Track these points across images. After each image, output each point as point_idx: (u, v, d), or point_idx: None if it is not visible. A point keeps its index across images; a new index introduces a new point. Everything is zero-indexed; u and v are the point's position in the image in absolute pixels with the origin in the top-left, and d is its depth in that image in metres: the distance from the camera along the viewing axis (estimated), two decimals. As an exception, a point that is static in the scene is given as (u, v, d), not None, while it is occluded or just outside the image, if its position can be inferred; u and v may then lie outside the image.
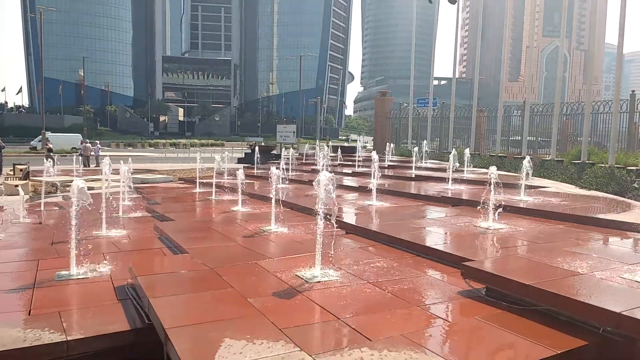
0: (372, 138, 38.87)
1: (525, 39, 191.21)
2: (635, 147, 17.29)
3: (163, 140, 72.45)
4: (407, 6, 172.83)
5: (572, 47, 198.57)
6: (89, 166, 30.80)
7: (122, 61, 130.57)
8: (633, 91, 17.31)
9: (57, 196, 17.36)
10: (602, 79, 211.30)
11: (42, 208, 13.15)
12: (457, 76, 28.32)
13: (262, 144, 50.03)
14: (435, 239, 7.21)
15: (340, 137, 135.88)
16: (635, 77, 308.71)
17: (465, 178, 14.81)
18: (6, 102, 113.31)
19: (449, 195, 11.54)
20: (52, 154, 27.70)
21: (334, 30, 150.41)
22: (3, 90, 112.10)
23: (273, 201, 8.45)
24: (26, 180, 20.11)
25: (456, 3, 25.72)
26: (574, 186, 13.04)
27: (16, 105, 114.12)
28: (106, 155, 14.10)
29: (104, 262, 6.38)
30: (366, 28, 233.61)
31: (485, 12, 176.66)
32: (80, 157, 28.93)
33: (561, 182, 14.04)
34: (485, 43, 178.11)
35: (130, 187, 13.56)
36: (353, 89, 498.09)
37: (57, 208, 13.68)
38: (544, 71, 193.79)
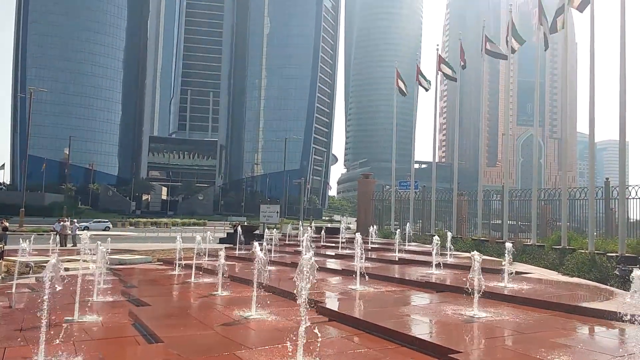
0: (355, 219, 39.01)
1: (500, 126, 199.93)
2: (613, 232, 17.59)
3: (144, 219, 71.61)
4: (389, 93, 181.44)
5: (546, 136, 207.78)
6: (65, 245, 30.03)
7: (109, 140, 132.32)
8: (607, 179, 17.94)
9: (30, 277, 16.71)
10: (577, 166, 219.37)
11: (13, 290, 12.61)
12: (437, 160, 29.21)
13: (245, 223, 49.79)
14: (421, 328, 7.04)
15: (323, 218, 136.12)
16: (608, 164, 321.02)
17: (448, 262, 14.76)
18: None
19: (433, 280, 11.44)
20: (7, 232, 27.08)
21: (318, 115, 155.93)
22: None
23: (254, 285, 8.26)
24: (0, 260, 19.44)
25: (431, 89, 27.11)
26: (557, 272, 13.06)
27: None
28: (83, 232, 13.83)
29: (75, 351, 6.03)
30: (349, 112, 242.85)
31: (461, 101, 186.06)
32: (57, 236, 28.26)
33: (543, 267, 14.07)
34: (463, 129, 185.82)
35: (106, 268, 13.17)
36: (336, 171, 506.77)
37: (29, 290, 13.12)
38: (520, 157, 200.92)
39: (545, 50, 18.23)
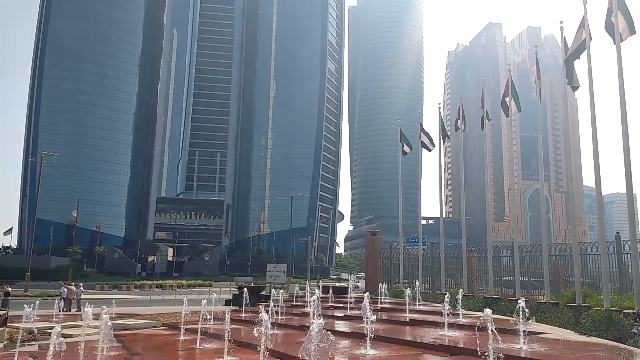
0: (363, 276, 38.33)
1: (506, 181, 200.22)
2: (628, 288, 17.14)
3: (149, 282, 70.69)
4: (393, 149, 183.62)
5: (552, 189, 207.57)
6: (69, 310, 29.54)
7: (117, 202, 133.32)
8: (618, 233, 17.70)
9: (33, 344, 16.33)
10: (586, 220, 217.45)
11: (15, 359, 12.28)
12: (444, 216, 29.05)
13: (252, 284, 48.91)
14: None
15: (331, 276, 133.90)
16: (617, 217, 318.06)
17: (461, 323, 14.34)
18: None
19: (446, 343, 11.07)
20: (9, 297, 26.83)
21: (324, 173, 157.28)
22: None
23: (261, 352, 8.02)
24: (3, 326, 19.09)
25: (434, 149, 27.42)
26: (573, 331, 12.64)
27: (4, 246, 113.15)
28: (88, 299, 13.61)
29: None
30: (355, 169, 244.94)
31: (465, 156, 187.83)
32: (62, 301, 27.87)
33: (559, 327, 13.63)
34: (468, 185, 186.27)
35: (110, 335, 12.87)
36: (343, 228, 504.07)
37: (31, 359, 12.78)
38: (527, 212, 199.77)
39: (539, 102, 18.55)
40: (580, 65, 16.29)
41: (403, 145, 29.05)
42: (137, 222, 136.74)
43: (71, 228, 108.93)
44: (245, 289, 26.42)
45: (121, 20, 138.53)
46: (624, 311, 12.57)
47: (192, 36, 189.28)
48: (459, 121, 24.95)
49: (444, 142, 27.85)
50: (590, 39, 15.25)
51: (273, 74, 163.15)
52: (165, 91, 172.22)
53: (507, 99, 20.56)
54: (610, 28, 14.34)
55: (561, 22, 16.91)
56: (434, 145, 27.21)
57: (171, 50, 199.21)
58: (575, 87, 16.48)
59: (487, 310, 8.25)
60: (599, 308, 13.59)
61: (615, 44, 14.24)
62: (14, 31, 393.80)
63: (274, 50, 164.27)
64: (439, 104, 29.22)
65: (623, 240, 17.49)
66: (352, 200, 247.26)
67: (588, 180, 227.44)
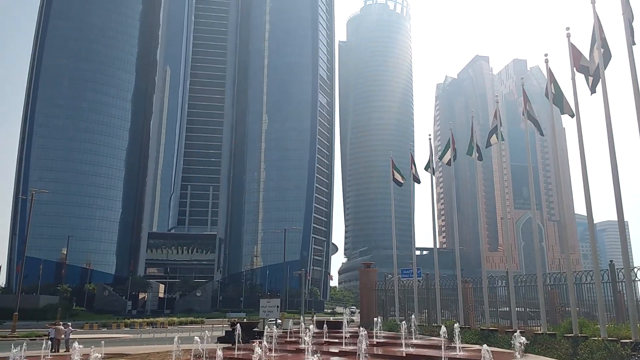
0: (359, 309, 37.79)
1: (498, 210, 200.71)
2: (624, 316, 17.02)
3: (140, 320, 69.19)
4: (385, 180, 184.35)
5: (545, 218, 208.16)
6: (58, 351, 28.72)
7: (108, 239, 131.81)
8: (611, 261, 17.70)
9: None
10: (579, 248, 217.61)
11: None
12: (437, 247, 28.94)
13: (244, 320, 47.94)
14: None
15: (325, 310, 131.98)
16: (610, 245, 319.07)
17: (458, 356, 14.09)
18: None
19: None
20: None
21: (317, 205, 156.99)
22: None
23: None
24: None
25: (426, 176, 27.57)
26: (572, 363, 12.45)
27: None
28: (76, 339, 13.27)
29: None
30: (347, 201, 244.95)
31: (457, 187, 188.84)
32: (50, 341, 27.13)
33: (557, 358, 13.44)
34: (461, 214, 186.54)
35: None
36: (337, 260, 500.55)
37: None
38: (521, 241, 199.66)
39: (542, 135, 18.84)
40: (567, 95, 16.63)
41: (394, 175, 29.20)
42: (128, 258, 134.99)
43: (61, 265, 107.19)
44: (238, 325, 25.91)
45: (115, 58, 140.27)
46: (621, 341, 12.44)
47: (184, 72, 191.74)
48: (453, 153, 25.20)
49: (434, 173, 28.04)
50: (574, 73, 15.62)
51: (265, 108, 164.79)
52: (157, 126, 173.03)
53: (496, 128, 20.85)
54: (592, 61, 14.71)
55: (546, 55, 17.40)
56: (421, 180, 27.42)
57: (164, 86, 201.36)
58: (571, 115, 16.72)
59: (484, 346, 8.13)
60: (596, 338, 13.45)
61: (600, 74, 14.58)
62: (6, 66, 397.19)
63: (266, 85, 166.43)
64: (429, 135, 29.56)
65: (617, 269, 17.47)
66: (346, 232, 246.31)
67: (580, 208, 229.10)
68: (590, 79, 14.66)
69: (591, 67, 14.64)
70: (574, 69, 15.55)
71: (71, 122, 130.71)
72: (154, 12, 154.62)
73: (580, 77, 15.37)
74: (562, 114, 16.77)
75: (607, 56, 14.39)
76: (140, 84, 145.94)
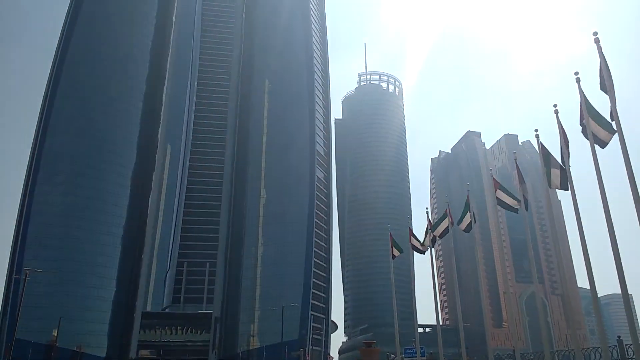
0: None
1: (500, 284, 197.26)
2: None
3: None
4: (385, 254, 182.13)
5: (548, 292, 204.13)
6: None
7: (100, 319, 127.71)
8: (619, 337, 17.22)
9: None
10: (585, 323, 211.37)
11: None
12: (440, 323, 28.14)
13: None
14: None
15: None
16: (616, 319, 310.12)
17: None
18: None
19: None
20: None
21: (315, 280, 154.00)
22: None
23: None
24: None
25: (426, 253, 27.38)
26: None
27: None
28: None
29: None
30: (346, 276, 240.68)
31: (457, 260, 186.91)
32: None
33: None
34: (463, 288, 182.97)
35: None
36: (337, 339, 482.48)
37: None
38: (526, 316, 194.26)
39: (526, 210, 19.03)
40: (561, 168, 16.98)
41: (393, 250, 29.09)
42: (120, 340, 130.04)
43: (50, 348, 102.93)
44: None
45: (117, 137, 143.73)
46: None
47: (185, 150, 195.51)
48: (448, 225, 25.28)
49: (433, 246, 27.94)
50: (568, 150, 16.08)
51: (263, 183, 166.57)
52: (156, 203, 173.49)
53: (499, 196, 21.03)
54: (584, 132, 15.21)
55: (536, 130, 18.04)
56: (426, 249, 27.25)
57: (164, 163, 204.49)
58: (559, 188, 16.99)
59: None
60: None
61: (590, 147, 15.01)
62: (8, 145, 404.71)
63: (264, 161, 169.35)
64: (427, 208, 29.77)
65: (626, 345, 16.97)
66: (345, 309, 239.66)
67: (582, 281, 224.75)
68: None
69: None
70: (564, 143, 16.02)
71: (70, 199, 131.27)
72: (156, 94, 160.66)
73: (573, 146, 15.79)
74: (550, 187, 17.05)
75: (606, 127, 14.84)
76: (141, 162, 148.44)
